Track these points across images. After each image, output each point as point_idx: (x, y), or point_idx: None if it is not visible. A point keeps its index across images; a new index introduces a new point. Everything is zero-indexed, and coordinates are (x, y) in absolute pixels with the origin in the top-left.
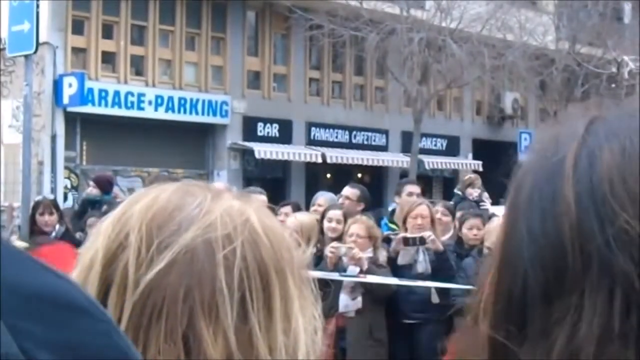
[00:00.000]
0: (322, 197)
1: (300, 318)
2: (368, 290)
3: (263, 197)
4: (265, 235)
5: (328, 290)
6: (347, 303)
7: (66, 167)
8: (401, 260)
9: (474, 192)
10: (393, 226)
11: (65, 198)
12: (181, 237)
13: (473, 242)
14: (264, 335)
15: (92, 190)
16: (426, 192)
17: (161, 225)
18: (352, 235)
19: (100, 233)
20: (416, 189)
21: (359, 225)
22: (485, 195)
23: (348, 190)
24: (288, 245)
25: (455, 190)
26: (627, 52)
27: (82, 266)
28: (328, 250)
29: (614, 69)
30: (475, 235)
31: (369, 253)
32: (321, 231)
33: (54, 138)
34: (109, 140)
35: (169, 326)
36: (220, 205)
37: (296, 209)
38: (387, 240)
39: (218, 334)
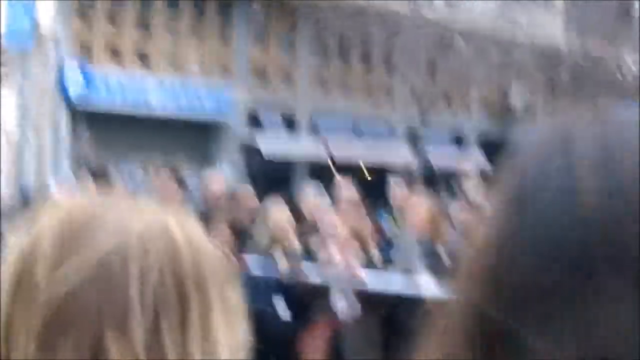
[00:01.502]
0: (309, 191)
1: (221, 334)
2: (365, 296)
3: (249, 190)
4: (186, 248)
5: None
6: (344, 307)
7: (70, 160)
8: None
9: (471, 190)
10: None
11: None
12: (94, 249)
13: None
14: (178, 352)
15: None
16: (430, 189)
17: (74, 236)
18: (339, 235)
19: (12, 246)
20: (399, 181)
21: (345, 225)
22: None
23: (342, 185)
24: (211, 257)
25: (454, 188)
26: (635, 48)
27: None
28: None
29: (617, 69)
30: None
31: (358, 253)
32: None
33: (57, 130)
34: (112, 133)
35: (76, 342)
36: (138, 216)
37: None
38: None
39: (127, 351)
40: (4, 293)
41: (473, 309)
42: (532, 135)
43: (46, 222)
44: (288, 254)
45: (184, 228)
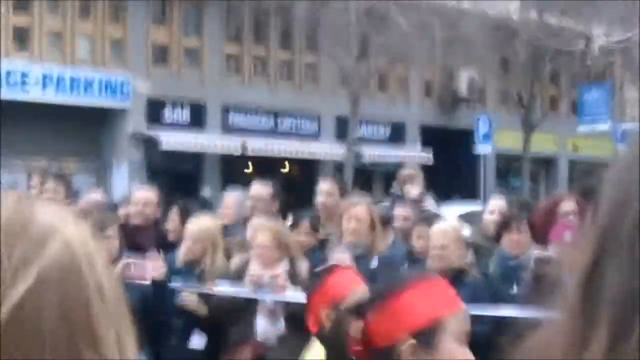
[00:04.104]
0: (231, 197)
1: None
2: (291, 314)
3: (152, 195)
4: (104, 259)
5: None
6: (267, 329)
7: None
8: None
9: (413, 190)
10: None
11: None
12: (46, 250)
13: (423, 254)
14: None
15: None
16: (365, 188)
17: (18, 234)
18: (258, 247)
19: None
20: (326, 186)
21: (265, 234)
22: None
23: (258, 189)
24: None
25: (392, 188)
26: (601, 23)
27: None
28: (248, 278)
29: (581, 45)
30: (422, 246)
31: (282, 266)
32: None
33: None
34: None
35: (51, 353)
36: (67, 221)
37: (184, 211)
38: (323, 247)
39: None
40: None
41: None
42: None
43: None
44: (205, 270)
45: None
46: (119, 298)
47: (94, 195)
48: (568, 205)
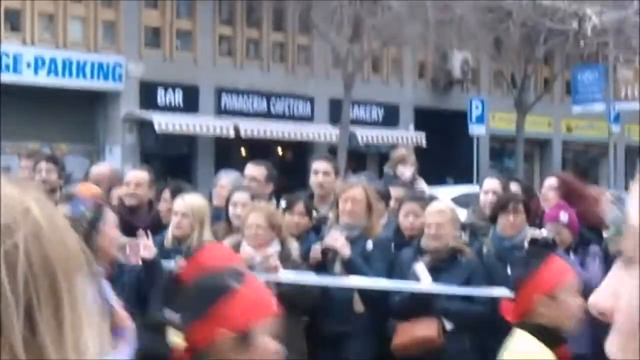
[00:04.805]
0: (225, 177)
1: (87, 329)
2: (286, 296)
3: (145, 175)
4: (50, 230)
5: None
6: None
7: None
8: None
9: (406, 171)
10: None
11: None
12: None
13: (411, 232)
14: (55, 351)
15: None
16: (358, 171)
17: None
18: (250, 227)
19: None
20: (323, 166)
21: (257, 214)
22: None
23: (252, 169)
24: (73, 241)
25: (385, 169)
26: (595, 3)
27: None
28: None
29: (575, 24)
30: (412, 223)
31: (274, 247)
32: (227, 218)
33: None
34: None
35: None
36: None
37: (176, 193)
38: (318, 229)
39: (4, 349)
40: None
41: None
42: None
43: None
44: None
45: (42, 207)
46: (40, 271)
47: (105, 166)
48: (549, 182)
